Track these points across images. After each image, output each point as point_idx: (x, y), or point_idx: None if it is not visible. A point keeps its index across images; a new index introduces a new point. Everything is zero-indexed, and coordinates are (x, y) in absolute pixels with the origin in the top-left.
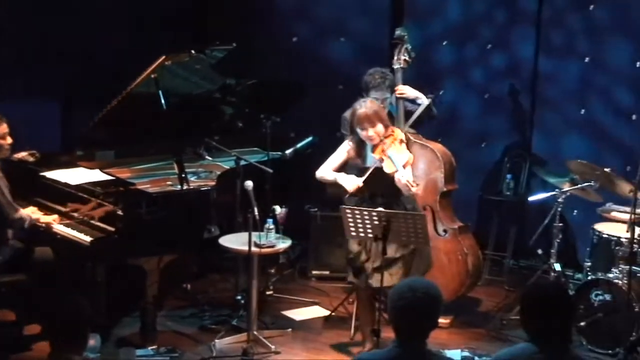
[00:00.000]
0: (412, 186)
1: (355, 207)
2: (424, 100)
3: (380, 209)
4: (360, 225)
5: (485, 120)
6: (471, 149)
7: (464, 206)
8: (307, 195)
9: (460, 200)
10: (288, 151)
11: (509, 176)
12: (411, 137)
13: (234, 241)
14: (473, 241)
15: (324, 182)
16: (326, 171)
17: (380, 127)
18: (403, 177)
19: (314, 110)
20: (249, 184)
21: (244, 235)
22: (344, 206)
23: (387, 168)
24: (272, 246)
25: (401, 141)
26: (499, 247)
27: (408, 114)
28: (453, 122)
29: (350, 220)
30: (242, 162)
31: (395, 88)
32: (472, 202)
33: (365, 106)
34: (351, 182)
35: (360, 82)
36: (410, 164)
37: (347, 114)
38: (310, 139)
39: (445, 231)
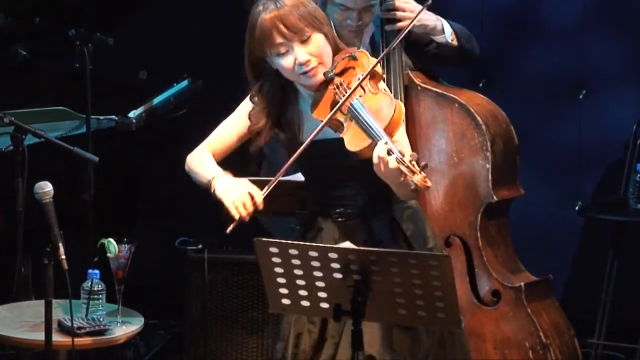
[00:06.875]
0: (415, 172)
1: (293, 242)
2: (446, 35)
3: (347, 243)
4: (301, 281)
5: (582, 40)
6: (555, 107)
7: (540, 237)
8: (180, 212)
9: (533, 223)
10: (134, 113)
11: None
12: (416, 81)
13: (10, 320)
14: (561, 317)
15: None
16: (202, 158)
17: (319, 41)
18: (394, 155)
19: (187, 16)
20: (45, 188)
21: (34, 307)
22: (263, 239)
23: (352, 141)
24: (101, 331)
25: (377, 77)
26: (621, 329)
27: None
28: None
29: (279, 269)
30: (28, 140)
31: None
32: (560, 226)
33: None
34: (241, 194)
35: None
36: (400, 124)
37: None
38: (184, 83)
39: (495, 295)
